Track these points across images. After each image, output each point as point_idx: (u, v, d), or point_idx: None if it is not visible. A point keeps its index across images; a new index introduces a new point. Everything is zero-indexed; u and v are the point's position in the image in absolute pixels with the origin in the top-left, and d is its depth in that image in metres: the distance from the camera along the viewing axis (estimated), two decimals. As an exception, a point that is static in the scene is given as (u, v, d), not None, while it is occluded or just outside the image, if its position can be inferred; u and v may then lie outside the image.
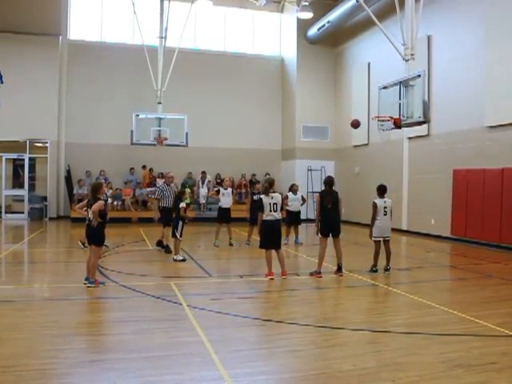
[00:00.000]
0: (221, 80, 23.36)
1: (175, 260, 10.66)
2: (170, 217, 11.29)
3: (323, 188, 9.61)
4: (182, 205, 10.71)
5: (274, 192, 9.11)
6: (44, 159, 21.04)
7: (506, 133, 13.16)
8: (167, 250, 11.78)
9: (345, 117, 21.98)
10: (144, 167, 22.13)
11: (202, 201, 21.11)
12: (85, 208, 8.28)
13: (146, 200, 21.03)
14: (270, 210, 8.85)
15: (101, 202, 8.03)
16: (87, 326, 6.16)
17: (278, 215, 8.95)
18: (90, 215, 8.01)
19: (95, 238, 8.12)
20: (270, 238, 8.92)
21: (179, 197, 10.98)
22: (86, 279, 8.09)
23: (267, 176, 23.06)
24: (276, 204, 8.90)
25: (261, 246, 9.10)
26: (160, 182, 21.90)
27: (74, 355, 4.93)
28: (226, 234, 13.57)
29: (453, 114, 15.05)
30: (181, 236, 10.74)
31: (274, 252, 9.02)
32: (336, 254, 9.39)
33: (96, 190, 8.25)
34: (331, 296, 8.26)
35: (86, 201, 8.44)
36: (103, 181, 12.70)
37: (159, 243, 12.32)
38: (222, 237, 13.44)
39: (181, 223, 10.71)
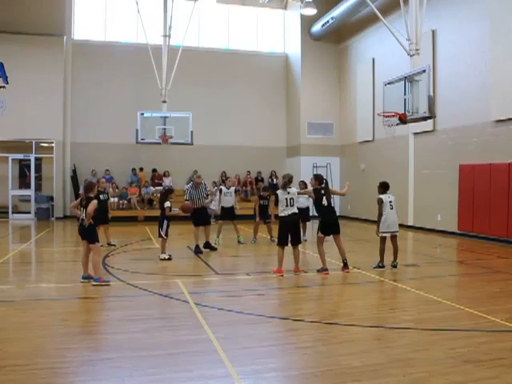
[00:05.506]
0: (225, 78, 23.38)
1: (161, 259, 10.59)
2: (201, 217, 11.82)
3: (316, 185, 9.42)
4: (167, 204, 10.65)
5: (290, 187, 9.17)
6: (50, 159, 21.12)
7: (513, 127, 13.09)
8: (198, 249, 11.76)
9: (349, 113, 21.98)
10: (141, 169, 22.16)
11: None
12: (80, 207, 8.31)
13: (151, 199, 21.08)
14: (287, 205, 8.92)
15: (94, 202, 8.11)
16: (95, 324, 6.19)
17: (294, 210, 9.00)
18: (83, 215, 8.08)
19: (89, 236, 8.22)
20: (287, 234, 8.98)
21: (165, 196, 10.93)
22: (85, 278, 8.20)
23: (272, 173, 23.20)
24: (292, 199, 8.97)
25: (278, 244, 9.16)
26: (167, 180, 22.02)
27: (82, 354, 4.95)
28: (229, 232, 13.59)
29: (458, 109, 14.97)
30: (166, 235, 10.69)
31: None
32: (339, 251, 9.42)
33: (88, 189, 8.36)
34: (338, 292, 8.26)
35: (79, 199, 8.49)
36: (94, 180, 12.76)
37: (207, 245, 12.11)
38: (228, 235, 13.45)
39: (166, 222, 10.67)
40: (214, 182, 20.36)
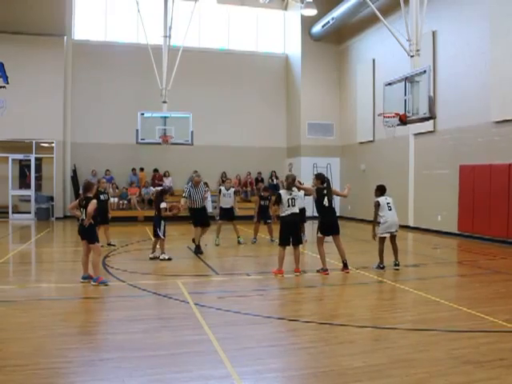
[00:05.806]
0: (225, 78, 23.39)
1: (161, 259, 10.58)
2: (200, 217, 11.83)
3: (318, 184, 9.35)
4: (163, 205, 10.68)
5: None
6: (50, 159, 21.11)
7: (513, 128, 13.09)
8: (198, 250, 11.70)
9: (349, 113, 21.97)
10: (142, 169, 22.20)
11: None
12: (79, 207, 8.30)
13: (151, 199, 21.07)
14: (288, 206, 8.92)
15: (94, 202, 8.12)
16: (95, 324, 6.19)
17: (295, 209, 9.00)
18: (83, 215, 8.10)
19: (89, 236, 8.23)
20: (288, 234, 8.97)
21: (161, 196, 10.94)
22: (85, 278, 8.21)
23: (272, 174, 23.20)
24: (294, 199, 8.97)
25: (279, 244, 9.14)
26: (167, 181, 22.04)
27: (83, 354, 4.96)
28: (229, 233, 13.57)
29: (459, 110, 14.97)
30: (164, 235, 10.71)
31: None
32: (338, 251, 9.42)
33: (87, 189, 8.38)
34: (339, 293, 8.25)
35: (78, 200, 8.49)
36: (94, 180, 12.77)
37: (194, 241, 12.03)
38: (227, 235, 13.44)
39: (163, 223, 10.68)
40: (206, 184, 20.06)
